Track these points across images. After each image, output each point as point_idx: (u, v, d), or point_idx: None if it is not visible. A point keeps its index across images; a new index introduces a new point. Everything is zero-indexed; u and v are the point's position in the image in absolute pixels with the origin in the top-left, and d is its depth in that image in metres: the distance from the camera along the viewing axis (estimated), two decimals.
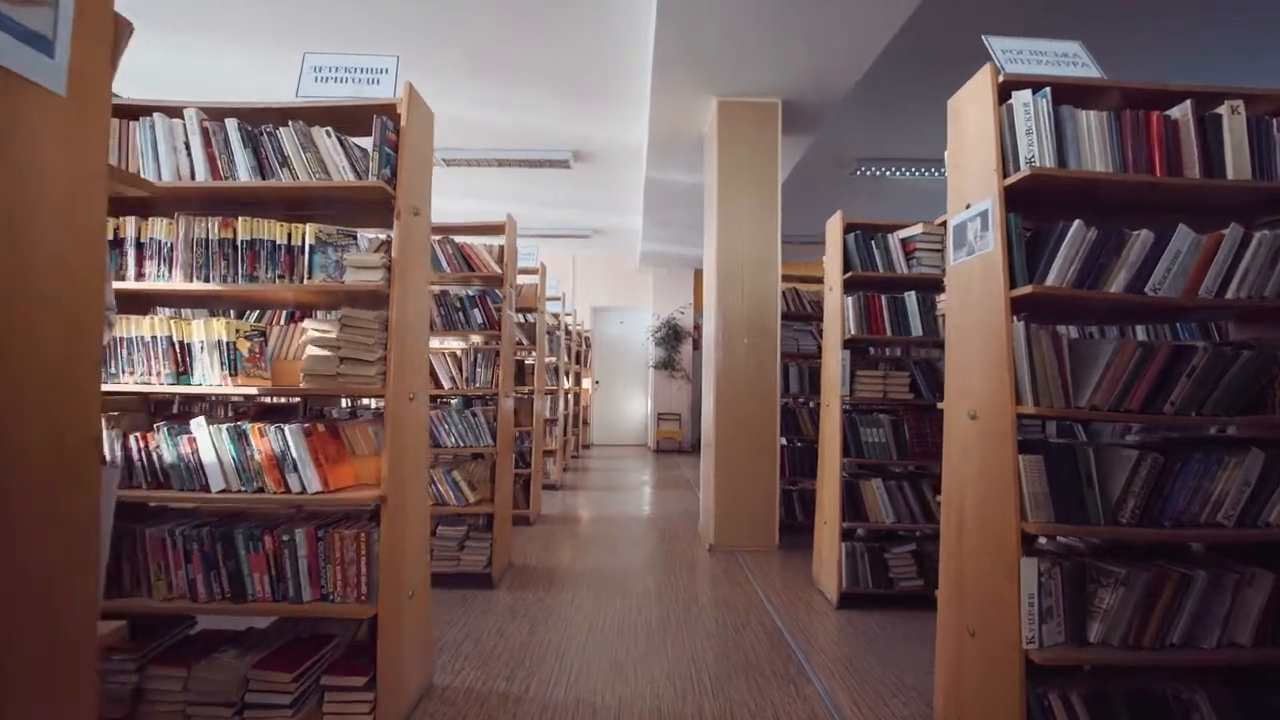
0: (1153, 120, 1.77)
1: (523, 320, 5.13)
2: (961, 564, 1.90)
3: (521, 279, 5.17)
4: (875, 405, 3.31)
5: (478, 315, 3.48)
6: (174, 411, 3.69)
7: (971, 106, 1.91)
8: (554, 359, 6.49)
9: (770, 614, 3.00)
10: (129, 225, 1.99)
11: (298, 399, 2.77)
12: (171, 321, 1.96)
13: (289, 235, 2.00)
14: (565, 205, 7.90)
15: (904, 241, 3.20)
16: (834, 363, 3.23)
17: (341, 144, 2.01)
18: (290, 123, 1.98)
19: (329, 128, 2.00)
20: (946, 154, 2.12)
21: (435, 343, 4.59)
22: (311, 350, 1.93)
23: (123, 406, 2.08)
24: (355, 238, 2.07)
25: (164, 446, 1.92)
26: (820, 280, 4.93)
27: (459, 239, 3.51)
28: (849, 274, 3.16)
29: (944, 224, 2.26)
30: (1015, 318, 1.75)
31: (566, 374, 7.39)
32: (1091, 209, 1.88)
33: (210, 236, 1.98)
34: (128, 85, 2.13)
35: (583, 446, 9.83)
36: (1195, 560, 1.78)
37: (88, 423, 0.92)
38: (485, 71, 4.52)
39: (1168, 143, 1.77)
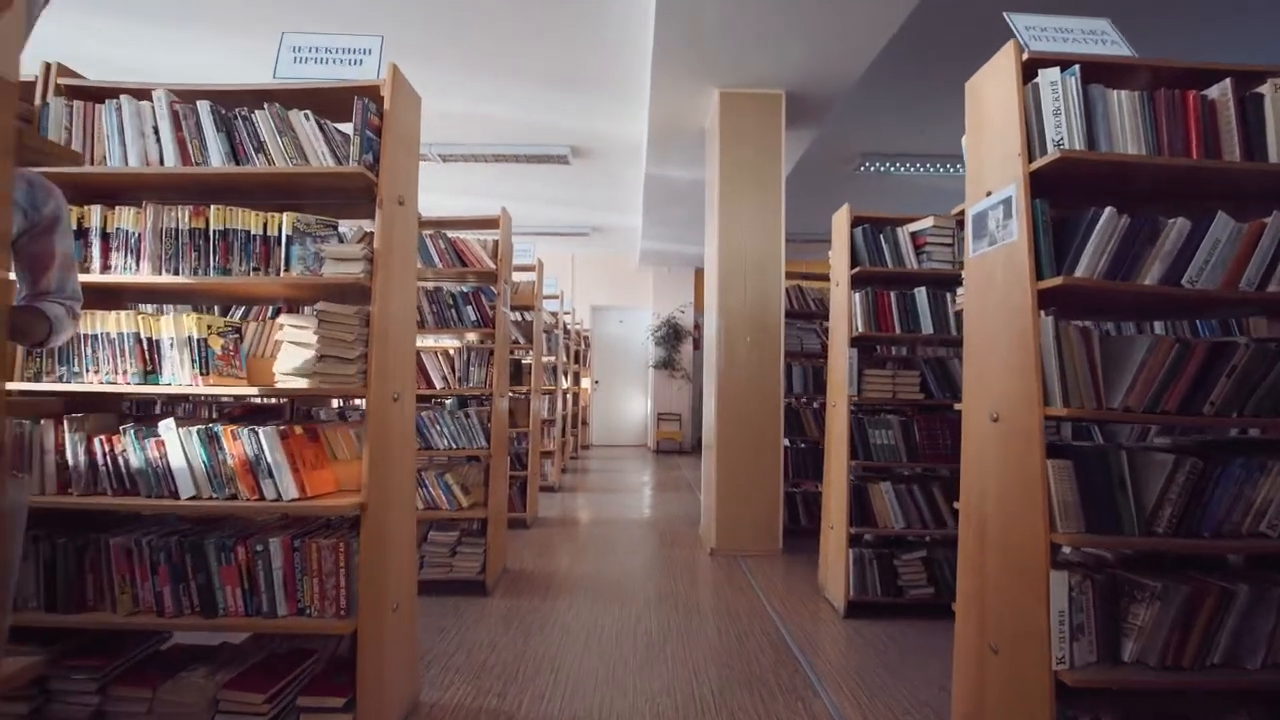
0: (1189, 100, 1.65)
1: (519, 319, 5.01)
2: (982, 577, 1.78)
3: (518, 276, 5.05)
4: (883, 406, 3.19)
5: (471, 312, 3.36)
6: (156, 412, 3.57)
7: (993, 87, 1.79)
8: (552, 358, 6.37)
9: (774, 623, 2.88)
10: (94, 214, 1.87)
11: (283, 400, 2.65)
12: (139, 317, 1.83)
13: (264, 225, 1.88)
14: (564, 203, 7.78)
15: (914, 235, 3.08)
16: (841, 361, 3.11)
17: (321, 128, 1.89)
18: (266, 105, 1.86)
19: (308, 111, 1.88)
20: (964, 139, 2.00)
21: (429, 341, 4.48)
22: (287, 348, 1.81)
23: (93, 407, 1.95)
24: (336, 228, 1.95)
25: (130, 450, 1.79)
26: (824, 277, 4.80)
27: (452, 233, 3.39)
28: (856, 269, 3.04)
29: (960, 215, 2.14)
30: (1042, 312, 1.62)
31: (565, 374, 7.27)
32: (1121, 196, 1.75)
33: (180, 226, 1.86)
34: (92, 73, 2.01)
35: (582, 447, 9.71)
36: (1235, 573, 1.66)
37: None
38: (481, 64, 4.40)
39: (1205, 124, 1.65)
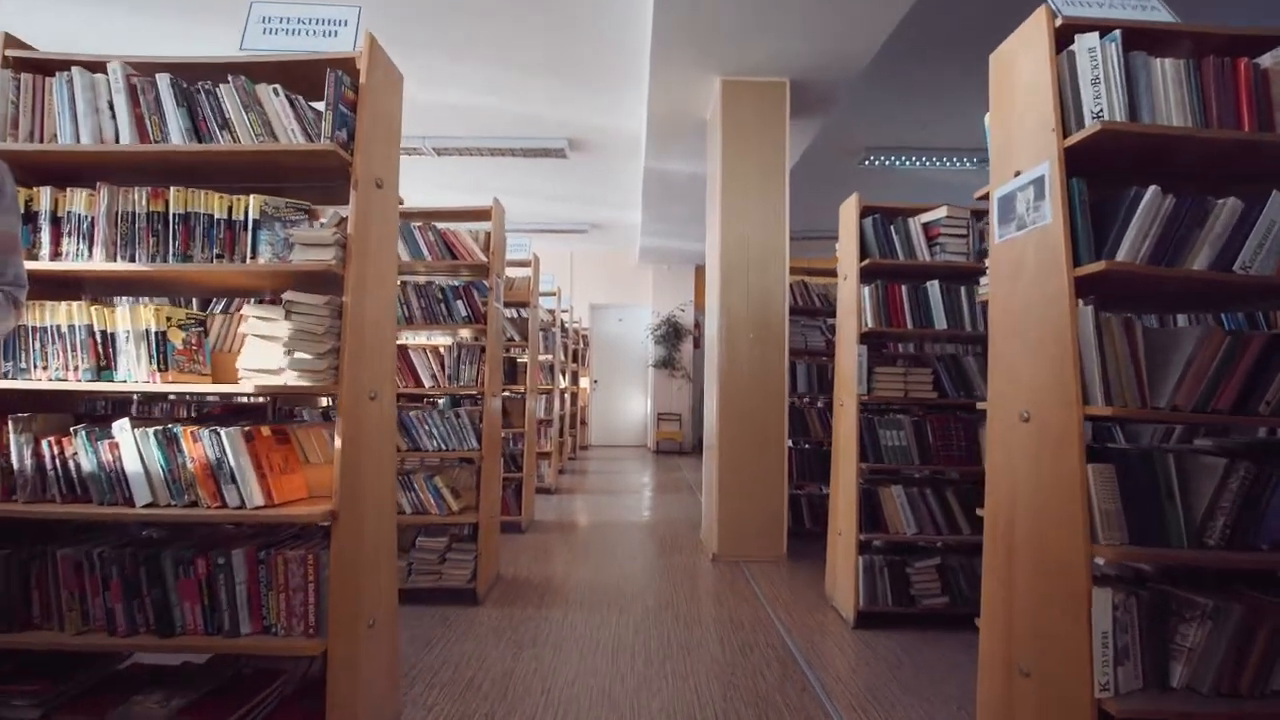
0: (1240, 68, 1.50)
1: (515, 315, 4.86)
2: (1010, 591, 1.63)
3: (514, 272, 4.90)
4: (893, 405, 3.04)
5: (461, 307, 3.21)
6: (134, 413, 3.42)
7: (1022, 56, 1.64)
8: (549, 357, 6.22)
9: (780, 634, 2.73)
10: (44, 196, 1.72)
11: (264, 398, 2.50)
12: (92, 308, 1.69)
13: (229, 209, 1.73)
14: (562, 199, 7.63)
15: (926, 226, 2.93)
16: (849, 359, 2.96)
17: (292, 104, 1.74)
18: (231, 79, 1.71)
19: (277, 85, 1.73)
20: (988, 116, 1.85)
21: (422, 338, 4.33)
22: (252, 341, 1.66)
23: (49, 406, 1.80)
24: (308, 212, 1.80)
25: (82, 453, 1.64)
26: (829, 273, 4.66)
27: (441, 225, 3.24)
28: (866, 261, 2.89)
29: (980, 201, 1.98)
30: (1080, 301, 1.47)
31: (563, 373, 7.12)
32: (1161, 175, 1.60)
33: (137, 210, 1.71)
34: (45, 45, 1.86)
35: (580, 448, 9.56)
36: None
37: None
38: (475, 53, 4.25)
39: (1257, 94, 1.50)
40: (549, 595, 3.19)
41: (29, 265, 1.56)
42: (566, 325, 7.63)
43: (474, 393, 3.30)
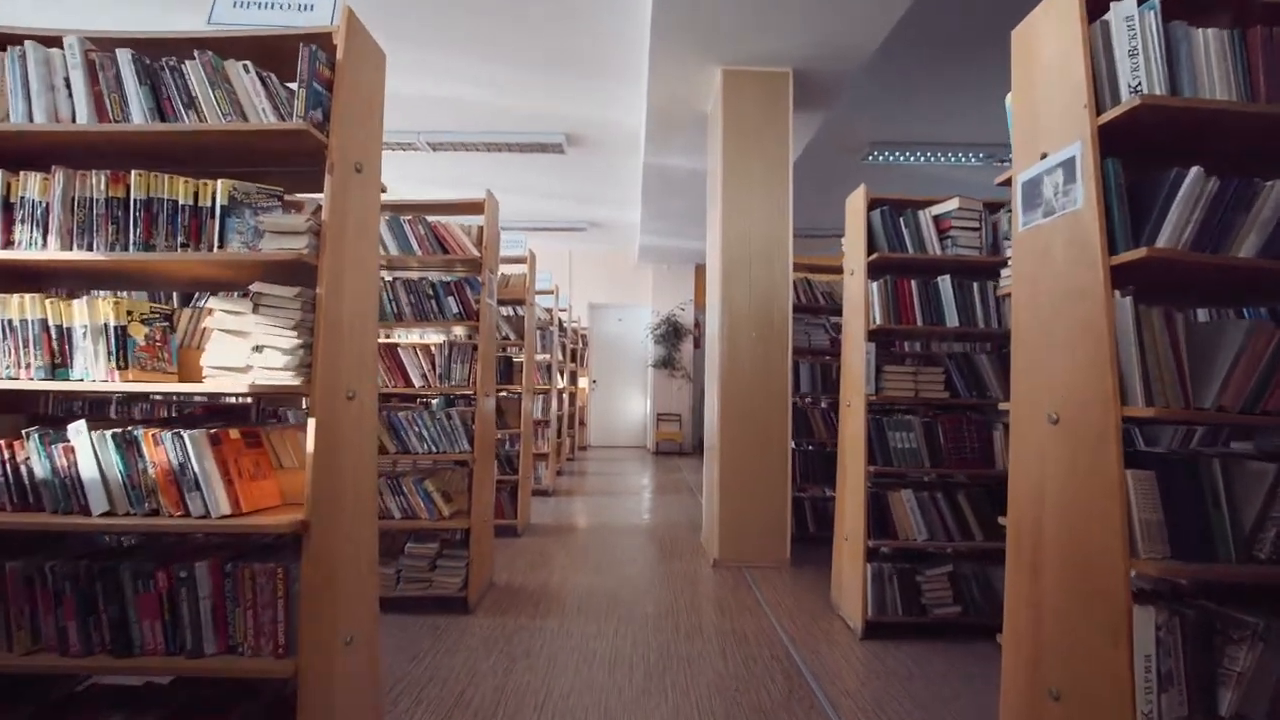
0: None
1: (511, 314, 4.74)
2: (1038, 608, 1.50)
3: (510, 269, 4.78)
4: (898, 405, 2.91)
5: (453, 304, 3.09)
6: (111, 415, 3.29)
7: (1049, 30, 1.52)
8: (546, 356, 6.09)
9: (785, 645, 2.61)
10: None
11: (248, 399, 2.38)
12: (46, 301, 1.56)
13: (195, 194, 1.60)
14: (560, 196, 7.51)
15: (937, 219, 2.81)
16: (856, 357, 2.84)
17: (264, 82, 1.61)
18: (198, 54, 1.59)
19: (248, 62, 1.61)
20: (1009, 97, 1.73)
21: (415, 336, 4.21)
22: (218, 336, 1.53)
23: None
24: (282, 198, 1.67)
25: (35, 458, 1.52)
26: (833, 270, 4.54)
27: (432, 218, 3.12)
28: (874, 255, 2.77)
29: (995, 194, 1.86)
30: (1117, 293, 1.35)
31: (561, 373, 7.00)
32: (1203, 155, 1.48)
33: (95, 195, 1.58)
34: None
35: (579, 448, 9.44)
36: None
37: None
38: (470, 46, 4.13)
39: None
40: (544, 603, 3.07)
41: None
42: (565, 324, 7.51)
43: (467, 393, 3.18)
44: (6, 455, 1.53)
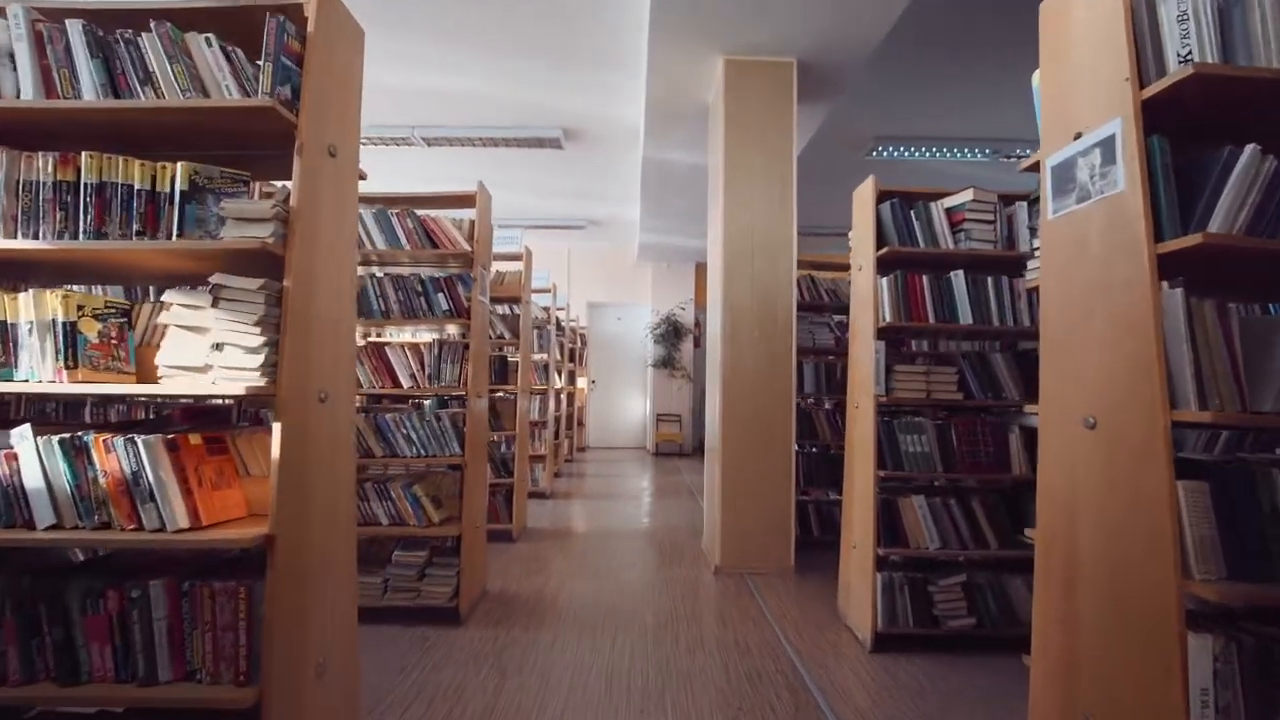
0: None
1: (506, 312, 4.61)
2: (1073, 631, 1.37)
3: (506, 266, 4.65)
4: (905, 407, 2.78)
5: (442, 300, 2.96)
6: (86, 420, 3.15)
7: None
8: (543, 356, 5.96)
9: (791, 659, 2.48)
10: None
11: (229, 400, 2.25)
12: None
13: (152, 178, 1.47)
14: (558, 193, 7.38)
15: (949, 211, 2.68)
16: (865, 357, 2.71)
17: (228, 57, 1.49)
18: (155, 26, 1.46)
19: (210, 35, 1.48)
20: (1036, 75, 1.60)
21: (406, 334, 4.08)
22: (174, 333, 1.40)
23: None
24: (249, 184, 1.54)
25: None
26: (837, 267, 4.41)
27: (422, 212, 2.99)
28: (884, 250, 2.64)
29: (1031, 171, 1.73)
30: (1164, 284, 1.22)
31: (559, 372, 6.87)
32: (1250, 133, 1.35)
33: (41, 178, 1.45)
34: None
35: (578, 450, 9.31)
36: None
37: None
38: (465, 37, 3.99)
39: None
40: (539, 613, 2.93)
41: None
42: (563, 324, 7.38)
43: (459, 393, 3.05)
44: None
